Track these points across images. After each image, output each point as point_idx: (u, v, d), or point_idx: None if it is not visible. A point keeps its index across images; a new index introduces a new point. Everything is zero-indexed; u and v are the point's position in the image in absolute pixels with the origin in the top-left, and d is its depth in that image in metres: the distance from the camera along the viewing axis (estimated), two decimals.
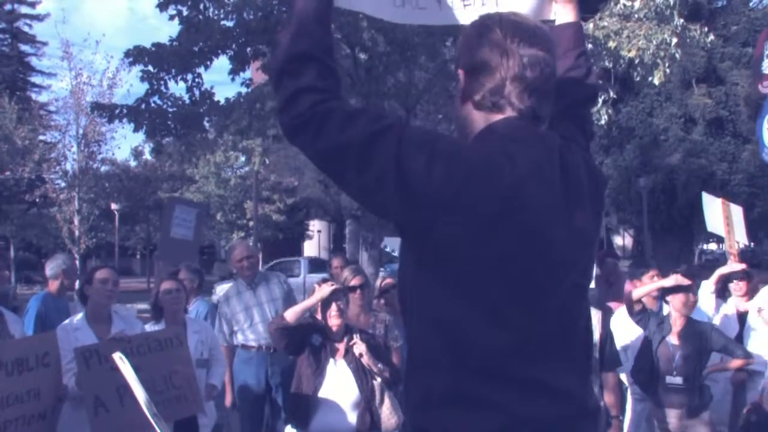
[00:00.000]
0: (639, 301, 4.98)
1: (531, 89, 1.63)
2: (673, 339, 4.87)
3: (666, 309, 5.16)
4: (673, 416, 4.80)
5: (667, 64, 8.44)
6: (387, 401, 4.30)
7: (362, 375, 4.29)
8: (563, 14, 2.11)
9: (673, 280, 4.94)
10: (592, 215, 1.68)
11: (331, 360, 4.32)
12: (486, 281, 1.50)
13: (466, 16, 2.23)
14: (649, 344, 4.97)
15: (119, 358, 3.76)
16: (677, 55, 8.58)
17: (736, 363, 5.12)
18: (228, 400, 5.90)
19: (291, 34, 1.65)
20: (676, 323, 4.91)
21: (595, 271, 6.26)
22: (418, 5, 2.21)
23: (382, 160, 1.49)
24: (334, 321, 4.35)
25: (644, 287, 5.13)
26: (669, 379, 4.82)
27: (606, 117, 9.65)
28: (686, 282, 4.86)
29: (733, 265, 5.78)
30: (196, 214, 8.13)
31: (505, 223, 1.49)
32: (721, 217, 7.37)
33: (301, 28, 1.65)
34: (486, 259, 1.49)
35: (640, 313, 5.00)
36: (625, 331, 5.34)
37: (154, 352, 4.24)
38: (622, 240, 45.82)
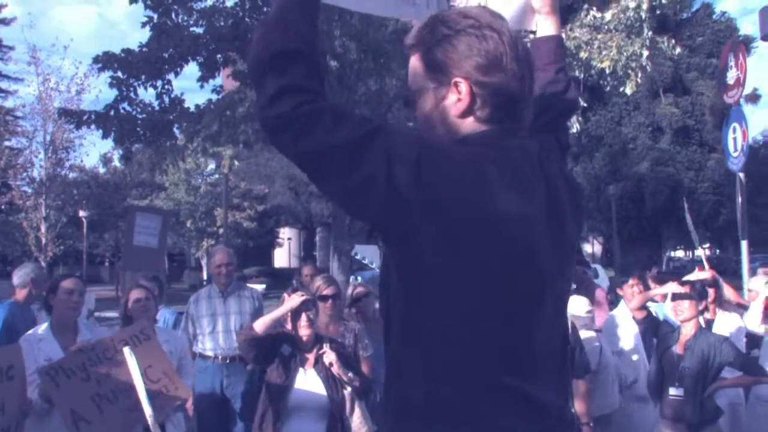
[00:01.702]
0: (643, 308, 4.96)
1: (524, 105, 1.60)
2: (678, 349, 4.71)
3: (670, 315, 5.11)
4: (674, 430, 4.65)
5: (639, 75, 8.57)
6: (357, 410, 4.28)
7: (332, 384, 4.26)
8: (545, 27, 2.09)
9: (666, 288, 4.92)
10: (572, 225, 1.66)
11: (301, 369, 4.29)
12: (468, 290, 1.47)
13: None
14: (657, 352, 4.85)
15: (129, 354, 3.73)
16: (648, 67, 8.72)
17: (747, 380, 4.82)
18: (188, 402, 5.84)
19: (275, 28, 1.56)
20: (684, 333, 4.74)
21: None
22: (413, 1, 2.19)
23: (371, 162, 1.44)
24: (303, 331, 4.32)
25: (637, 298, 5.11)
26: (672, 390, 4.66)
27: (577, 126, 9.76)
28: (680, 290, 4.77)
29: (700, 274, 5.82)
30: (160, 220, 8.04)
31: (489, 230, 1.46)
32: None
33: (286, 23, 1.56)
34: (469, 267, 1.46)
35: (645, 321, 4.95)
36: (620, 335, 5.37)
37: (122, 352, 4.14)
38: (592, 247, 46.28)
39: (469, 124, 1.59)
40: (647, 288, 5.68)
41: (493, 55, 1.54)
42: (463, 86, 1.56)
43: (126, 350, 3.84)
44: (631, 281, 5.59)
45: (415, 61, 1.65)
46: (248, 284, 7.10)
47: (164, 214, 9.11)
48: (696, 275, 5.66)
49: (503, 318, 1.49)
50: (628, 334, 5.42)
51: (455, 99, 1.58)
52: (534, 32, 2.14)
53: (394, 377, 1.60)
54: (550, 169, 1.63)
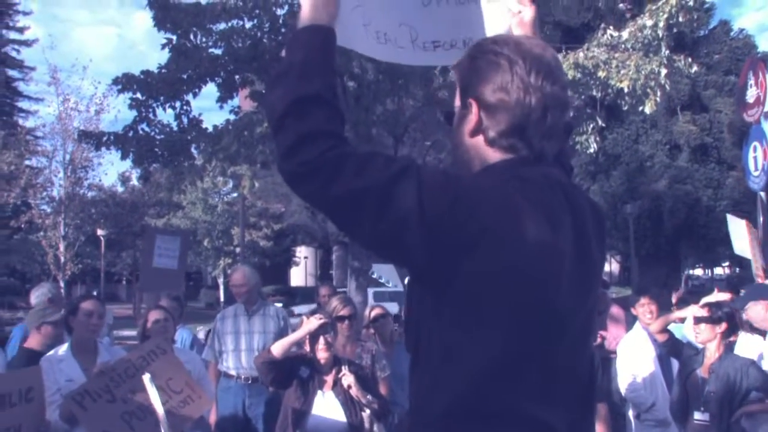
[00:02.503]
0: (665, 330, 4.88)
1: (550, 133, 1.58)
2: (702, 372, 4.59)
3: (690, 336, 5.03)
4: None
5: (658, 94, 8.53)
6: None
7: (351, 406, 4.24)
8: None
9: (689, 311, 4.83)
10: (598, 255, 1.65)
11: (319, 392, 4.27)
12: (505, 329, 1.45)
13: (436, 58, 2.31)
14: (680, 375, 4.74)
15: (149, 381, 3.76)
16: (667, 86, 8.68)
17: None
18: (212, 417, 5.83)
19: (293, 72, 1.53)
20: (708, 355, 4.61)
21: None
22: (397, 44, 2.23)
23: (403, 204, 1.40)
24: (322, 354, 4.31)
25: (657, 321, 5.01)
26: (697, 415, 4.52)
27: (594, 145, 9.72)
28: (701, 313, 4.64)
29: (719, 295, 5.72)
30: (179, 242, 8.06)
31: (523, 268, 1.44)
32: (747, 239, 7.39)
33: (306, 66, 1.53)
34: (504, 302, 1.44)
35: (668, 344, 4.87)
36: (636, 357, 5.30)
37: (142, 369, 4.17)
38: (609, 266, 46.00)
39: (481, 147, 1.60)
40: (661, 306, 5.60)
41: (499, 81, 1.56)
42: (473, 107, 1.59)
43: (146, 378, 3.87)
44: (642, 300, 5.49)
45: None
46: None
47: (183, 235, 9.14)
48: (715, 297, 5.56)
49: (532, 351, 1.48)
50: (646, 356, 5.33)
51: (469, 119, 1.60)
52: None
53: (421, 425, 1.56)
54: (575, 199, 1.61)
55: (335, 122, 1.50)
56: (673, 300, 8.58)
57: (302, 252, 47.66)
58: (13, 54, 46.03)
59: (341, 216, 1.48)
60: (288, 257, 44.62)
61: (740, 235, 7.48)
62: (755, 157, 8.29)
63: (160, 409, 3.83)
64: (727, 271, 48.27)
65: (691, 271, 47.75)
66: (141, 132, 9.77)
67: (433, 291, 1.50)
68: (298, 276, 49.98)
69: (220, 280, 36.82)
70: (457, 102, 1.66)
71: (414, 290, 1.60)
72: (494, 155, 1.59)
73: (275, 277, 41.71)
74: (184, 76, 9.48)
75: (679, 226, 31.16)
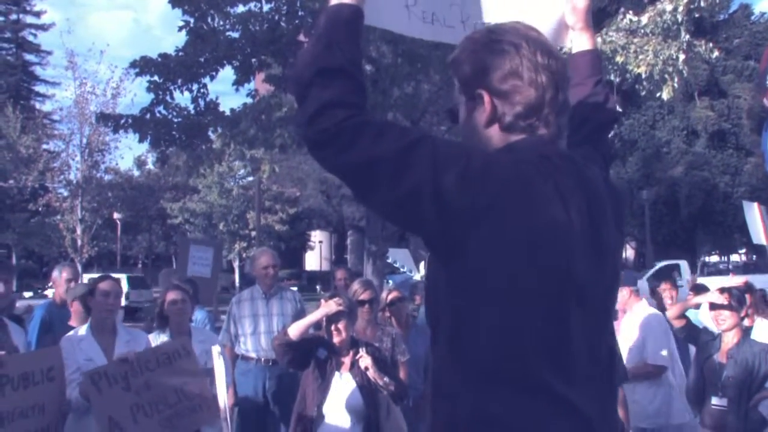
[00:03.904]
0: (682, 316, 4.87)
1: (562, 109, 1.64)
2: (720, 357, 4.58)
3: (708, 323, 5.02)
4: None
5: (675, 80, 8.45)
6: (393, 415, 4.27)
7: (368, 388, 4.26)
8: (580, 42, 2.14)
9: (706, 297, 4.83)
10: (615, 234, 1.66)
11: (337, 373, 4.29)
12: (512, 295, 1.48)
13: None
14: (698, 361, 4.74)
15: (218, 354, 3.82)
16: (684, 71, 8.60)
17: None
18: (229, 400, 5.87)
19: (320, 45, 1.59)
20: (725, 341, 4.61)
21: None
22: (445, 24, 2.27)
23: (417, 173, 1.45)
24: (336, 338, 4.33)
25: (675, 307, 5.01)
26: (714, 400, 4.52)
27: (611, 130, 9.65)
28: (720, 299, 4.62)
29: (734, 279, 5.69)
30: (212, 252, 8.28)
31: (532, 237, 1.47)
32: (760, 222, 7.34)
33: (331, 40, 1.59)
34: (512, 272, 1.47)
35: (685, 329, 4.86)
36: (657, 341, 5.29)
37: (162, 366, 4.22)
38: (624, 252, 45.84)
39: (497, 134, 1.63)
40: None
41: (508, 66, 1.59)
42: (485, 97, 1.62)
43: (215, 350, 3.94)
44: (663, 285, 5.48)
45: (454, 78, 1.73)
46: None
47: (216, 245, 9.35)
48: (731, 281, 5.51)
49: (544, 322, 1.49)
50: (666, 336, 5.30)
51: (481, 110, 1.63)
52: (569, 49, 2.21)
53: (441, 397, 1.60)
54: (591, 178, 1.64)
55: (357, 94, 1.56)
56: (687, 287, 8.54)
57: (317, 236, 47.78)
58: (30, 38, 46.39)
59: (357, 182, 1.54)
60: (303, 241, 44.78)
61: (755, 220, 7.44)
62: None
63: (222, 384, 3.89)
64: (744, 258, 47.90)
65: (706, 258, 47.43)
66: (158, 115, 9.80)
67: (446, 261, 1.53)
68: (313, 260, 50.13)
69: (236, 264, 36.98)
70: (461, 96, 1.70)
71: (432, 266, 1.64)
72: (514, 139, 1.62)
73: (290, 262, 41.91)
74: (201, 59, 9.50)
75: (696, 213, 30.97)
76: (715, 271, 34.57)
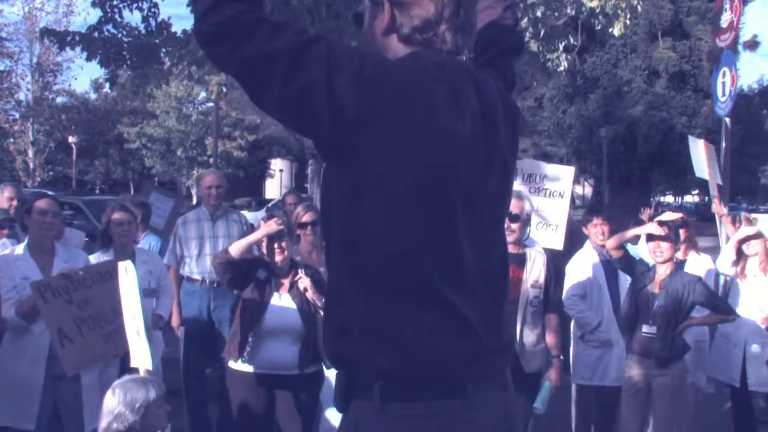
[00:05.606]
0: (621, 247, 4.99)
1: (463, 27, 1.65)
2: (653, 288, 4.81)
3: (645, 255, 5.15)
4: (642, 366, 4.77)
5: (627, 16, 8.43)
6: None
7: (306, 309, 4.33)
8: None
9: (643, 229, 4.96)
10: (508, 144, 1.69)
11: (276, 294, 4.35)
12: (402, 200, 1.50)
13: None
14: (632, 291, 4.94)
15: (124, 270, 3.78)
16: (639, 7, 8.57)
17: (714, 318, 5.00)
18: (174, 321, 5.90)
19: None
20: (659, 272, 4.83)
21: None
22: None
23: (312, 70, 1.45)
24: (278, 257, 4.37)
25: (613, 238, 5.13)
26: (645, 328, 4.76)
27: (565, 63, 9.64)
28: (658, 231, 4.79)
29: (672, 215, 5.78)
30: (172, 205, 7.98)
31: (422, 141, 1.49)
32: (705, 159, 7.47)
33: None
34: (405, 183, 1.49)
35: (622, 260, 5.00)
36: (584, 277, 5.42)
37: (98, 284, 4.21)
38: (582, 189, 46.42)
39: (395, 44, 1.65)
40: (613, 228, 5.66)
41: None
42: (385, 5, 1.64)
43: (121, 266, 3.90)
44: (595, 221, 5.56)
45: None
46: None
47: (177, 199, 8.92)
48: (668, 216, 5.64)
49: (430, 228, 1.52)
50: (594, 276, 5.43)
51: (381, 18, 1.65)
52: None
53: (335, 303, 1.63)
54: (486, 89, 1.66)
55: None
56: (645, 219, 8.68)
57: (277, 164, 47.41)
58: None
59: (252, 78, 1.51)
60: (263, 169, 44.37)
61: (699, 156, 7.57)
62: (723, 83, 8.33)
63: (134, 303, 3.86)
64: (697, 199, 48.98)
65: (661, 198, 48.34)
66: (107, 33, 9.48)
67: (337, 165, 1.54)
68: (273, 188, 49.83)
69: (194, 191, 36.63)
70: (366, 1, 1.70)
71: (325, 177, 1.65)
72: (405, 49, 1.64)
73: (250, 189, 41.62)
74: None
75: (653, 153, 31.35)
76: (669, 211, 35.23)
